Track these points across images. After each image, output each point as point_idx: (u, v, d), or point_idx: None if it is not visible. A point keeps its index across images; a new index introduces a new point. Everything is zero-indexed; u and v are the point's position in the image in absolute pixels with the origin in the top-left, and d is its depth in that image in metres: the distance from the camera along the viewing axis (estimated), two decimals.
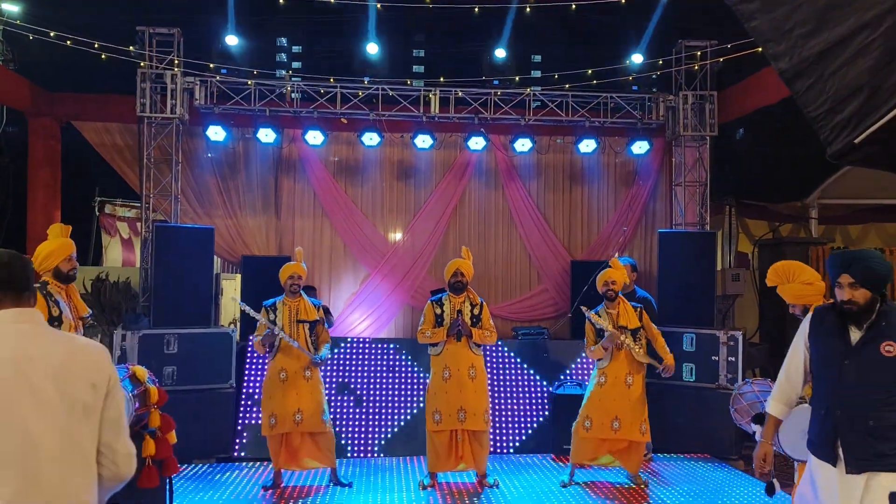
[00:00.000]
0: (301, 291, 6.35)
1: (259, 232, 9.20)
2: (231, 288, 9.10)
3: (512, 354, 8.22)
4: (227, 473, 6.89)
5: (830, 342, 3.36)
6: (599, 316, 6.33)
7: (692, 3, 8.14)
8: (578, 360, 8.25)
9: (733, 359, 7.65)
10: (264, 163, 9.21)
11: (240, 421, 7.48)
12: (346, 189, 9.36)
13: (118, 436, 2.20)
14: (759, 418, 3.91)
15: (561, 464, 7.30)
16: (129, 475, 2.24)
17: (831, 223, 11.84)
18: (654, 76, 9.11)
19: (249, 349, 7.80)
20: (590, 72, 8.55)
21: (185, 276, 7.67)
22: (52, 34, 7.61)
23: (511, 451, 7.72)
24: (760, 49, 7.40)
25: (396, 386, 7.85)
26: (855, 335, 3.28)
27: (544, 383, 8.06)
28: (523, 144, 8.88)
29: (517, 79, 8.76)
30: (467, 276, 6.44)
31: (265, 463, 7.10)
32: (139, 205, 8.76)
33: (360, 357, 7.98)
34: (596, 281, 6.56)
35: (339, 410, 7.60)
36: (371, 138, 8.64)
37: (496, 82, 8.79)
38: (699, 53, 8.64)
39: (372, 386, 7.82)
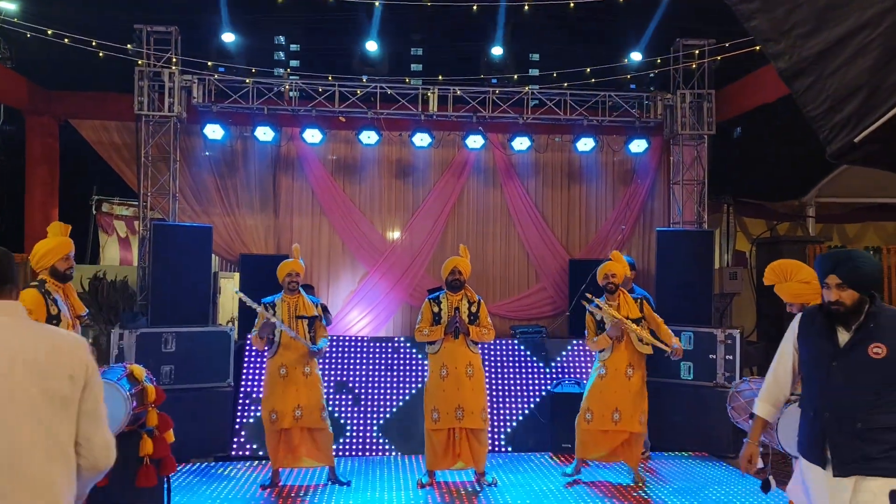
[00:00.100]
0: (300, 289, 6.36)
1: (257, 230, 9.19)
2: (229, 287, 9.10)
3: (510, 353, 8.23)
4: (225, 472, 6.89)
5: (819, 344, 3.33)
6: (600, 308, 6.31)
7: (690, 2, 8.13)
8: (577, 358, 8.25)
9: (731, 357, 7.66)
10: (262, 161, 9.20)
11: (238, 420, 7.47)
12: (345, 187, 9.35)
13: (96, 427, 2.23)
14: None
15: (559, 462, 7.31)
16: (107, 466, 2.28)
17: (829, 222, 11.87)
18: (650, 75, 9.12)
19: (248, 348, 7.80)
20: (588, 70, 8.55)
21: (183, 275, 7.66)
22: (49, 32, 7.59)
23: (509, 449, 7.73)
24: (758, 48, 7.40)
25: (394, 384, 7.85)
26: (843, 337, 3.24)
27: (542, 382, 8.06)
28: (521, 143, 8.88)
29: (515, 77, 8.76)
30: (465, 274, 6.45)
31: (263, 462, 7.10)
32: (137, 203, 8.75)
33: (358, 356, 7.98)
34: (596, 274, 6.56)
35: (337, 409, 7.60)
36: (369, 137, 8.63)
37: (494, 81, 8.79)
38: (697, 52, 8.65)
39: (370, 384, 7.82)
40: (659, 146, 9.46)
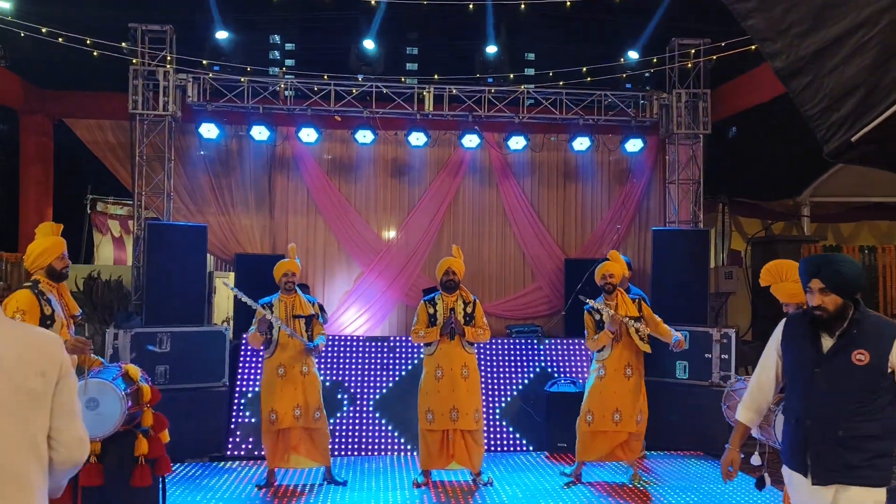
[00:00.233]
0: (296, 288, 6.35)
1: (252, 230, 9.17)
2: (224, 287, 9.08)
3: (505, 352, 8.22)
4: (221, 472, 6.87)
5: (802, 349, 3.28)
6: (598, 304, 6.30)
7: (686, 2, 8.15)
8: (572, 357, 8.25)
9: (726, 356, 7.67)
10: (258, 160, 9.18)
11: (233, 420, 7.46)
12: (340, 187, 9.34)
13: (70, 421, 2.28)
14: None
15: (555, 461, 7.31)
16: (81, 459, 2.35)
17: (823, 221, 11.92)
18: (646, 74, 9.13)
19: (243, 348, 7.79)
20: (584, 69, 8.56)
21: (178, 274, 7.64)
22: (44, 31, 7.57)
23: (505, 449, 7.72)
24: (754, 47, 7.41)
25: (390, 383, 7.84)
26: (827, 343, 3.20)
27: (538, 381, 8.05)
28: (517, 142, 8.88)
29: (511, 76, 8.76)
30: (459, 274, 6.44)
31: (259, 462, 7.09)
32: (131, 202, 8.72)
33: (355, 355, 7.96)
34: (594, 273, 6.56)
35: (333, 408, 7.58)
36: (365, 136, 8.62)
37: (490, 80, 8.79)
38: (693, 52, 8.66)
39: (365, 384, 7.81)
40: (654, 145, 9.47)
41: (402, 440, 7.58)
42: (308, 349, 6.21)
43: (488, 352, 8.14)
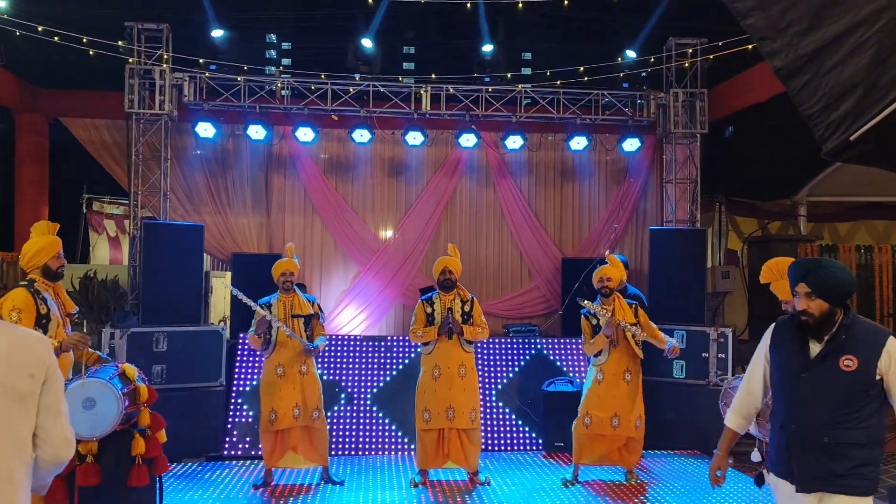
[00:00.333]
0: (295, 287, 6.34)
1: (249, 229, 9.15)
2: (221, 286, 9.07)
3: (503, 351, 8.22)
4: (217, 472, 6.85)
5: (790, 354, 3.24)
6: (595, 308, 6.29)
7: (683, 2, 8.16)
8: (570, 357, 8.25)
9: (723, 355, 7.69)
10: (254, 159, 9.16)
11: (230, 419, 7.44)
12: (337, 186, 9.33)
13: (56, 421, 2.35)
14: None
15: (552, 461, 7.31)
16: (67, 458, 2.40)
17: (820, 221, 11.93)
18: (642, 74, 9.13)
19: (240, 347, 7.77)
20: (581, 69, 8.56)
21: (175, 274, 7.62)
22: (39, 29, 7.54)
23: (502, 448, 7.72)
24: (751, 47, 7.42)
25: (387, 383, 7.83)
26: (815, 348, 3.16)
27: (535, 380, 8.05)
28: (514, 141, 8.88)
29: (509, 76, 8.76)
30: (455, 273, 6.43)
31: (256, 461, 7.08)
32: (127, 202, 8.70)
33: (352, 355, 7.95)
34: (592, 277, 6.55)
35: (330, 408, 7.57)
36: (362, 135, 8.61)
37: (487, 79, 8.78)
38: (690, 51, 8.66)
39: (363, 383, 7.80)
40: (652, 145, 9.47)
41: (400, 433, 7.59)
42: (308, 350, 6.20)
43: (485, 351, 8.13)
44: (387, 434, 7.62)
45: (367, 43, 8.49)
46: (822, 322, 3.13)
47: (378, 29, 8.49)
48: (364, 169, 9.37)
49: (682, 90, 8.85)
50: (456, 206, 9.52)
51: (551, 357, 8.25)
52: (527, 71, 9.28)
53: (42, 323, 4.66)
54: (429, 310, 6.39)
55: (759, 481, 3.75)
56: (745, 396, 3.48)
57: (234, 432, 7.40)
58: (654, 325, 6.49)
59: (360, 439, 7.57)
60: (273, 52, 9.41)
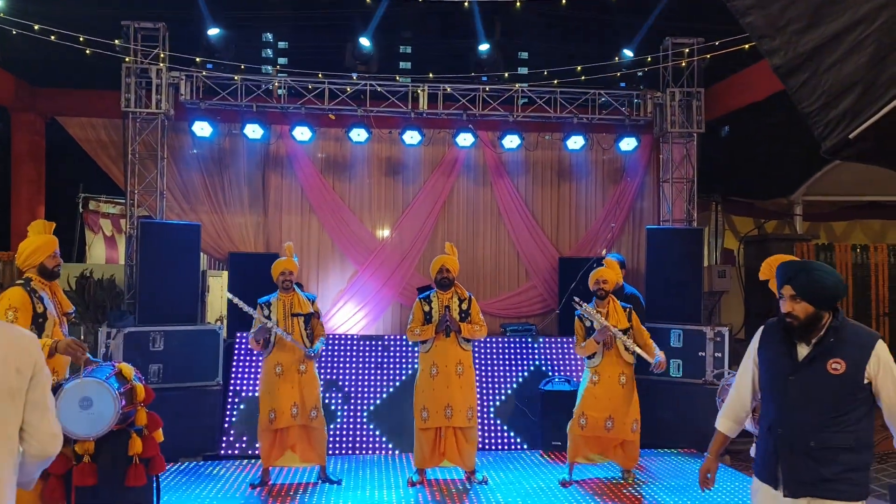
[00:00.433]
0: (294, 286, 6.33)
1: (246, 228, 9.14)
2: (217, 285, 9.04)
3: (500, 350, 8.22)
4: (215, 471, 6.85)
5: (777, 357, 3.21)
6: (589, 311, 6.32)
7: (680, 1, 8.16)
8: (566, 356, 8.26)
9: (720, 354, 7.70)
10: (251, 159, 9.15)
11: (227, 418, 7.43)
12: (334, 185, 9.32)
13: (42, 416, 2.41)
14: None
15: (550, 460, 7.32)
16: (54, 452, 2.47)
17: (816, 220, 11.96)
18: (639, 73, 9.14)
19: (237, 346, 7.77)
20: (578, 68, 8.56)
21: (171, 273, 7.60)
22: (36, 28, 7.52)
23: (499, 447, 7.72)
24: (748, 46, 7.42)
25: (385, 382, 7.83)
26: (802, 351, 3.13)
27: (532, 380, 8.06)
28: (511, 141, 8.88)
29: (506, 75, 8.76)
30: (453, 271, 6.43)
31: (253, 460, 7.08)
32: (124, 201, 8.68)
33: (349, 354, 7.95)
34: (588, 278, 6.56)
35: (327, 407, 7.57)
36: (359, 134, 8.61)
37: (485, 78, 8.78)
38: (686, 50, 8.67)
39: (360, 383, 7.80)
40: (648, 144, 9.48)
41: (391, 445, 7.57)
42: (308, 357, 6.20)
43: (483, 350, 8.14)
44: (384, 435, 7.62)
45: (364, 42, 8.48)
46: (807, 325, 3.11)
47: (375, 28, 8.48)
48: (361, 168, 9.37)
49: (679, 89, 8.86)
50: (453, 206, 9.52)
51: (549, 356, 8.26)
52: (524, 70, 9.27)
53: (38, 322, 4.65)
54: (426, 308, 6.39)
55: None
56: (735, 399, 3.46)
57: (231, 431, 7.39)
58: (647, 332, 6.50)
59: (358, 438, 7.56)
60: (269, 52, 9.39)
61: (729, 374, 5.09)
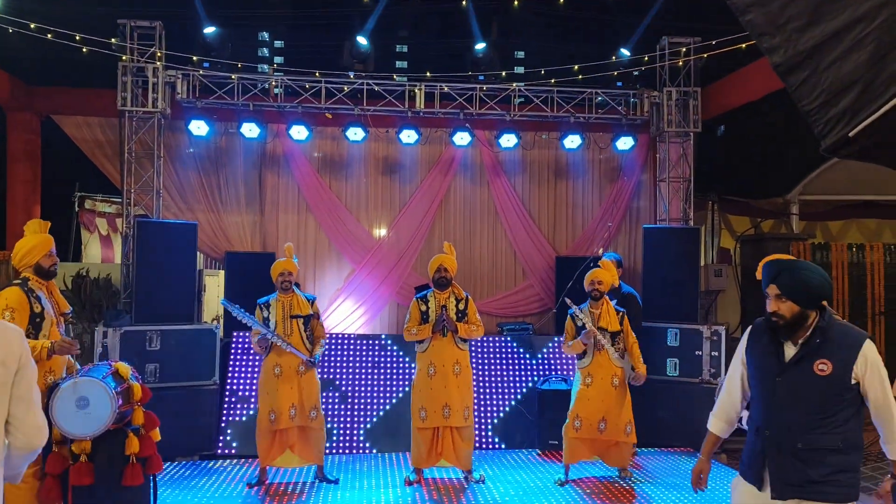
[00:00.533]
0: (294, 287, 6.32)
1: (243, 227, 9.11)
2: (214, 284, 9.02)
3: (497, 350, 8.22)
4: (212, 470, 6.84)
5: (765, 358, 3.18)
6: (582, 312, 6.35)
7: (677, 0, 8.17)
8: (563, 355, 8.26)
9: (716, 353, 7.72)
10: (248, 158, 9.13)
11: (224, 418, 7.42)
12: (331, 184, 9.31)
13: (28, 409, 2.44)
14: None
15: (547, 459, 7.32)
16: (39, 445, 2.50)
17: (812, 219, 11.99)
18: (635, 73, 9.14)
19: (233, 346, 7.75)
20: (575, 67, 8.56)
21: (168, 272, 7.59)
22: (32, 26, 7.49)
23: (497, 446, 7.72)
24: (745, 46, 7.42)
25: (382, 381, 7.82)
26: (789, 351, 3.10)
27: (529, 379, 8.07)
28: (508, 140, 8.88)
29: (504, 74, 8.75)
30: (451, 271, 6.43)
31: (250, 460, 7.06)
32: (119, 200, 8.66)
33: (346, 354, 7.94)
34: (584, 278, 6.57)
35: (324, 407, 7.55)
36: (356, 133, 8.59)
37: (482, 77, 8.77)
38: (683, 50, 8.68)
39: (357, 382, 7.79)
40: (645, 143, 9.48)
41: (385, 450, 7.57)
42: (309, 364, 6.18)
43: (479, 349, 8.14)
44: (379, 441, 7.61)
45: (362, 41, 8.47)
46: (793, 324, 3.08)
47: (372, 27, 8.47)
48: (358, 167, 9.35)
49: (676, 89, 8.86)
50: (450, 205, 9.51)
51: (546, 355, 8.26)
52: (520, 70, 9.26)
53: (36, 322, 4.64)
54: (423, 308, 6.39)
55: None
56: (726, 400, 3.43)
57: (228, 431, 7.38)
58: (635, 340, 6.51)
59: (354, 437, 7.55)
60: (266, 51, 9.36)
61: (726, 373, 5.10)
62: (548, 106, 8.88)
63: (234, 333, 7.79)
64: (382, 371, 7.88)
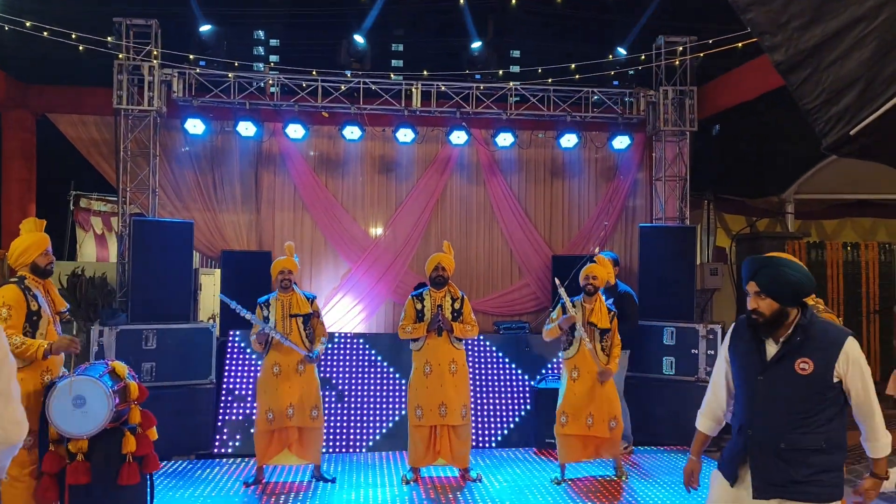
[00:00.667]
0: (294, 286, 6.30)
1: (239, 226, 9.09)
2: (210, 283, 9.01)
3: (493, 349, 8.22)
4: (208, 470, 6.83)
5: (747, 356, 3.14)
6: (574, 305, 6.33)
7: (673, 0, 8.19)
8: (560, 353, 8.26)
9: (712, 352, 7.72)
10: (244, 156, 9.11)
11: (220, 417, 7.41)
12: (327, 183, 9.29)
13: (6, 404, 2.44)
14: None
15: (543, 458, 7.32)
16: (19, 440, 2.50)
17: (807, 218, 12.02)
18: (631, 72, 9.15)
19: (229, 344, 7.74)
20: (572, 66, 8.57)
21: (164, 271, 7.56)
22: (27, 25, 7.47)
23: (493, 445, 7.73)
24: (741, 45, 7.43)
25: (378, 380, 7.82)
26: (771, 349, 3.05)
27: (526, 377, 8.07)
28: (505, 139, 8.88)
29: (500, 73, 8.75)
30: (449, 270, 6.43)
31: (246, 458, 7.06)
32: (115, 199, 8.63)
33: (342, 352, 7.94)
34: (579, 273, 6.57)
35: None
36: (352, 132, 8.58)
37: (478, 76, 8.77)
38: (679, 49, 8.69)
39: (354, 381, 7.78)
40: (641, 142, 9.50)
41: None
42: (309, 360, 6.17)
43: (476, 348, 8.14)
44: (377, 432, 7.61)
45: (358, 39, 8.46)
46: (773, 322, 3.04)
47: (369, 26, 8.47)
48: (354, 166, 9.34)
49: (672, 88, 8.87)
50: (446, 204, 9.51)
51: (542, 353, 8.26)
52: (516, 68, 9.27)
53: (33, 320, 4.62)
54: (419, 306, 6.38)
55: None
56: (712, 398, 3.39)
57: (225, 430, 7.36)
58: (619, 342, 6.48)
59: (352, 437, 7.55)
60: (261, 49, 9.35)
61: None
62: (544, 105, 8.89)
63: (231, 332, 7.77)
64: (380, 371, 7.86)
